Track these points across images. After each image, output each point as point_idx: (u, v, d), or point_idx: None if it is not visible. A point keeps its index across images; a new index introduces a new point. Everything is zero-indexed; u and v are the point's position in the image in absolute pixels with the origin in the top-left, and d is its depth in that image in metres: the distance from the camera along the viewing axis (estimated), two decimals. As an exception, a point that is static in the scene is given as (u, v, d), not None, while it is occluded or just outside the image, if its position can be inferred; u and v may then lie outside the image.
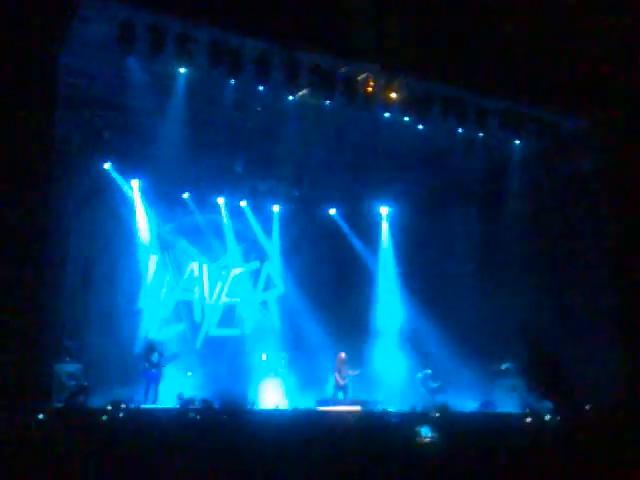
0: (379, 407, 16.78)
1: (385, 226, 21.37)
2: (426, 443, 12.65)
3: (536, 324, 19.11)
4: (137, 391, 16.36)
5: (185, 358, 18.50)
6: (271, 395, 17.81)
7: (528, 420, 15.23)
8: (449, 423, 13.85)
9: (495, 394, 18.99)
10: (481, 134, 19.51)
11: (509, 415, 16.26)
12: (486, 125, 18.97)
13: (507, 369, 19.48)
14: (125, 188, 18.52)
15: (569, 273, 19.63)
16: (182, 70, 16.70)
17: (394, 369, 19.19)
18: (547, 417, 15.77)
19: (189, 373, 17.34)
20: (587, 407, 15.43)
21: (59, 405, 14.13)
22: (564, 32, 15.75)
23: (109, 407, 13.37)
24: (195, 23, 15.41)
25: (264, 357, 18.96)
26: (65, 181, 16.52)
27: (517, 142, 20.04)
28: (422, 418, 14.38)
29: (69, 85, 15.47)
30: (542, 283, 20.22)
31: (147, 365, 16.89)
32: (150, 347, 17.28)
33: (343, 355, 18.85)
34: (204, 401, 14.05)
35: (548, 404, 16.93)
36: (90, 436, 11.19)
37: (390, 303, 20.52)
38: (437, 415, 15.11)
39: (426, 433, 12.71)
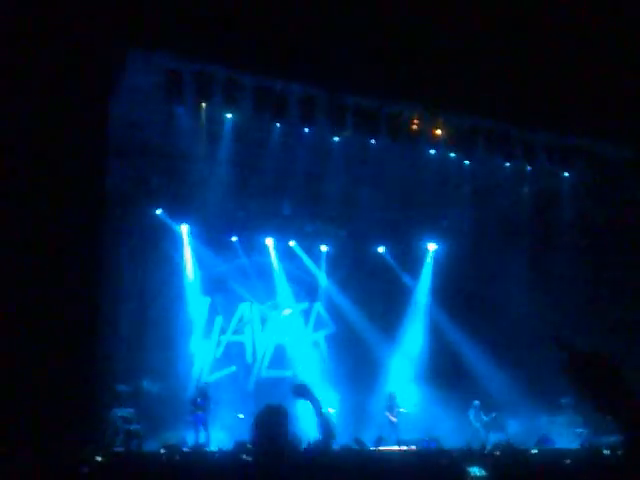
0: (433, 445, 16.61)
1: (433, 263, 21.25)
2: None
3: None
4: (188, 434, 16.45)
5: (237, 400, 18.56)
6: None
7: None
8: (509, 462, 13.63)
9: (552, 429, 18.69)
10: (529, 167, 19.45)
11: (567, 452, 15.90)
12: (534, 158, 18.90)
13: (565, 404, 19.16)
14: (176, 233, 18.78)
15: (628, 304, 19.35)
16: (229, 115, 17.06)
17: (447, 405, 18.94)
18: (606, 452, 15.41)
19: (241, 415, 17.31)
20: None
21: (115, 449, 14.28)
22: (609, 61, 15.65)
23: (162, 451, 13.49)
24: (240, 69, 15.73)
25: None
26: (117, 229, 16.90)
27: (566, 174, 19.91)
28: (478, 456, 14.19)
29: (119, 134, 15.87)
30: (601, 316, 19.95)
31: (193, 408, 16.94)
32: (196, 390, 17.35)
33: (394, 393, 18.77)
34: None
35: (607, 439, 16.57)
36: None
37: (442, 339, 20.33)
38: (497, 454, 14.89)
39: (475, 472, 12.55)
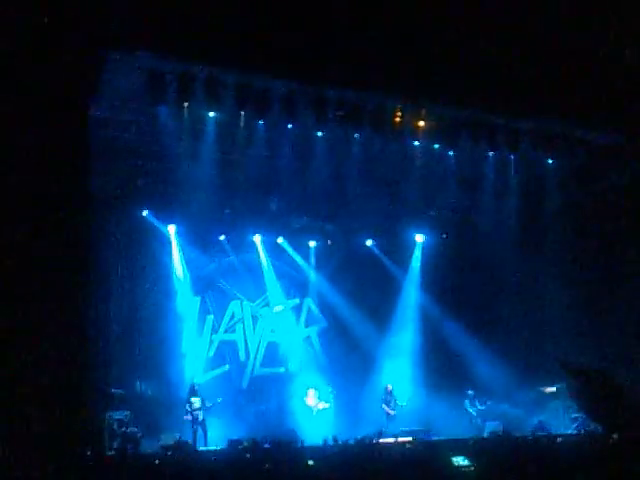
0: (430, 436, 16.65)
1: (421, 254, 21.25)
2: (462, 470, 12.54)
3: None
4: (185, 435, 16.40)
5: (232, 399, 18.57)
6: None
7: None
8: (505, 451, 13.67)
9: (548, 415, 18.77)
10: (512, 156, 19.51)
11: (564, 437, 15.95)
12: (517, 147, 18.95)
13: (558, 390, 19.23)
14: (163, 234, 18.71)
15: (613, 290, 19.47)
16: (211, 114, 17.02)
17: (442, 396, 18.97)
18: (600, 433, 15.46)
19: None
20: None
21: (111, 453, 14.24)
22: (591, 48, 15.71)
23: (159, 452, 13.46)
24: (222, 68, 15.69)
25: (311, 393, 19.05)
26: (104, 231, 16.84)
27: (550, 161, 19.97)
28: (472, 444, 14.23)
29: (102, 136, 15.80)
30: (585, 303, 20.10)
31: (189, 409, 16.88)
32: (191, 391, 17.28)
33: (390, 386, 18.80)
34: (253, 440, 14.05)
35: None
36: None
37: (433, 330, 20.37)
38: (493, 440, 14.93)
39: (459, 462, 12.60)
